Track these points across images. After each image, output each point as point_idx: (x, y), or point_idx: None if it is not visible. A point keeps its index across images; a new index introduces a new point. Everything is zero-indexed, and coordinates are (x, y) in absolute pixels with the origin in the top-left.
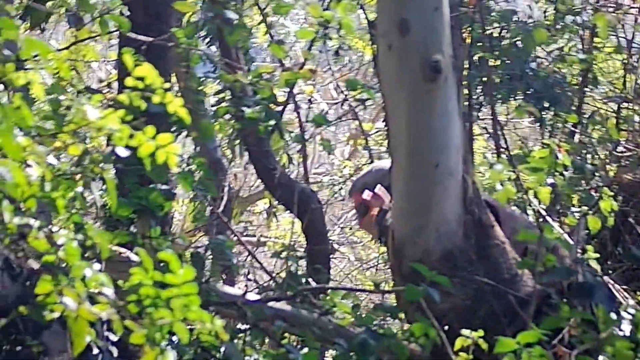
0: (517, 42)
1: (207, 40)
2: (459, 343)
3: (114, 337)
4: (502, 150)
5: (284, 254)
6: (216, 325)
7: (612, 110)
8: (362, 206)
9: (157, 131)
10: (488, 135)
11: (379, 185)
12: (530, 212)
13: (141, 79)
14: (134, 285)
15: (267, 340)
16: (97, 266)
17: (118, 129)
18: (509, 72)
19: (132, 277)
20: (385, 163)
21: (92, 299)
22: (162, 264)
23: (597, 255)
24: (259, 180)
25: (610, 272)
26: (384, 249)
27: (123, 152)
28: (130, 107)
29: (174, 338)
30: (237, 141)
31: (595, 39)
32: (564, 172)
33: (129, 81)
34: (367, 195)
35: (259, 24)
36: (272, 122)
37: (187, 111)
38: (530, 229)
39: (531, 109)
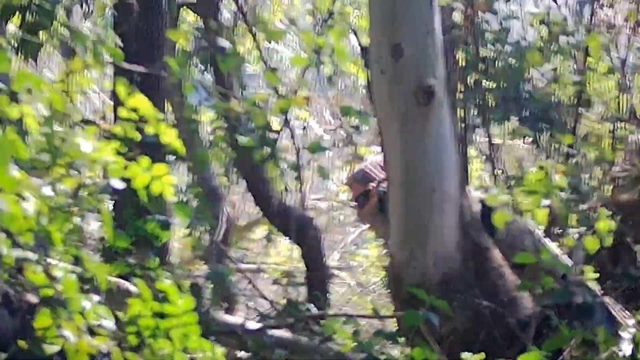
0: (511, 64)
1: (202, 68)
2: None
3: None
4: (498, 172)
5: (283, 281)
6: (216, 354)
7: (607, 130)
8: (361, 196)
9: (153, 161)
10: (484, 157)
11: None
12: None
13: (135, 109)
14: (133, 317)
15: None
16: (96, 298)
17: (113, 161)
18: (503, 94)
19: (131, 309)
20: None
21: (92, 331)
22: (161, 294)
23: (596, 275)
24: (257, 208)
25: (609, 292)
26: (383, 273)
27: (118, 184)
28: (125, 139)
29: None
30: (233, 169)
31: (589, 60)
32: (561, 194)
33: (122, 112)
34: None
35: (252, 49)
36: (268, 150)
37: (181, 141)
38: (526, 233)
39: (526, 132)
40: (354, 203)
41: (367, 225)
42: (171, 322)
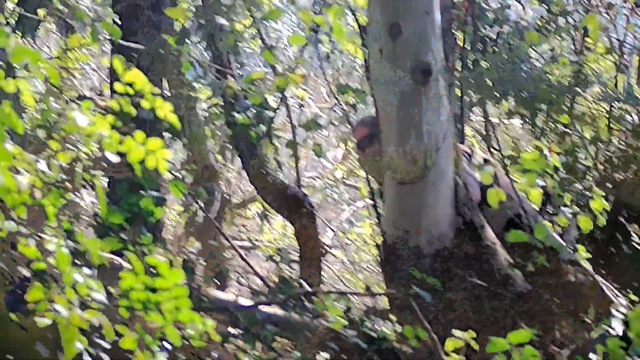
0: (510, 44)
1: (201, 45)
2: (450, 344)
3: (105, 344)
4: (494, 151)
5: (276, 258)
6: (207, 326)
7: (604, 110)
8: (365, 139)
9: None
10: (480, 136)
11: None
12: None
13: (131, 84)
14: (125, 290)
15: (259, 344)
16: (88, 272)
17: (108, 135)
18: (501, 73)
19: (123, 282)
20: None
21: (84, 305)
22: (152, 270)
23: (589, 255)
24: (252, 185)
25: (603, 271)
26: (376, 251)
27: (113, 158)
28: (122, 114)
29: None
30: (230, 146)
31: (587, 40)
32: (556, 173)
33: (118, 87)
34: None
35: (249, 27)
36: (263, 128)
37: (177, 117)
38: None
39: (522, 111)
40: (357, 146)
41: (367, 170)
42: (162, 295)
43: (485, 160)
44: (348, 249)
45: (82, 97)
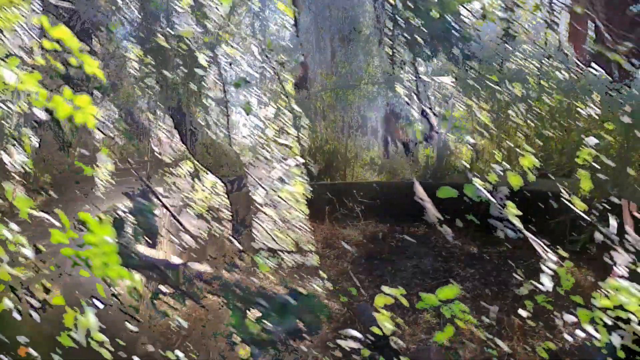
0: (441, 1)
1: (133, 5)
2: (380, 300)
3: (35, 302)
4: (425, 109)
5: (207, 216)
6: (136, 282)
7: (534, 66)
8: (303, 79)
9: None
10: (413, 94)
11: None
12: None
13: (59, 41)
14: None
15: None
16: (15, 228)
17: (36, 92)
18: (431, 31)
19: (51, 238)
20: None
21: (13, 262)
22: (81, 226)
23: (519, 212)
24: (182, 144)
25: (533, 228)
26: (307, 209)
27: (42, 115)
28: (51, 70)
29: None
30: (160, 105)
31: None
32: (487, 131)
33: (46, 43)
34: None
35: None
36: (194, 86)
37: (104, 73)
38: None
39: (453, 69)
40: (295, 86)
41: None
42: (91, 251)
43: (423, 112)
44: (279, 207)
45: (10, 55)
